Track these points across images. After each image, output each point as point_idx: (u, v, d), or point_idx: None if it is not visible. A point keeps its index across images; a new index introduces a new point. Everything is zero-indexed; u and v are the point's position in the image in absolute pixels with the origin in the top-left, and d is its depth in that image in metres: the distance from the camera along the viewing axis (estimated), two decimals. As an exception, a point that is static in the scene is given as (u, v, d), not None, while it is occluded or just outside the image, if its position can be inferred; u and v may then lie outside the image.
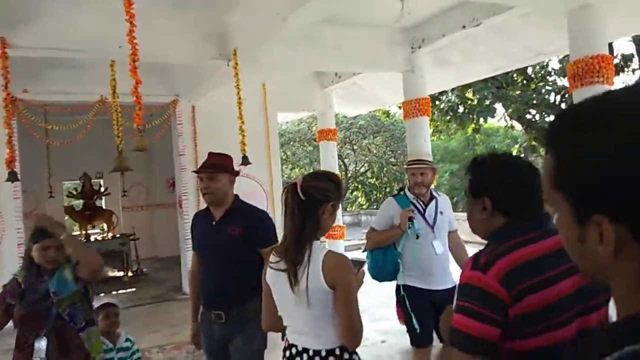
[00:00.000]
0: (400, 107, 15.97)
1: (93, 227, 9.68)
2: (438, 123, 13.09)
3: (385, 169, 20.62)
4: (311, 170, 21.33)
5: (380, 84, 8.19)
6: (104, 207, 9.89)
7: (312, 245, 1.84)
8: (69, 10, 4.56)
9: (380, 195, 21.13)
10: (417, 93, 6.54)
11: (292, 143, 19.65)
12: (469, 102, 11.46)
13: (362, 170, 21.29)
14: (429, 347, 3.24)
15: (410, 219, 3.20)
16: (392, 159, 20.36)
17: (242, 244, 2.58)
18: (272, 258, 1.93)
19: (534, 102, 11.66)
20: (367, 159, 20.35)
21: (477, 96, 11.07)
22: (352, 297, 1.81)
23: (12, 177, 4.41)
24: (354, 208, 20.23)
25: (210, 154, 2.82)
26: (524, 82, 11.98)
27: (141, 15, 3.73)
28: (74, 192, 9.21)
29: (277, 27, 4.31)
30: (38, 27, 4.53)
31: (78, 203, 9.48)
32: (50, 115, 7.14)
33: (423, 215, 3.29)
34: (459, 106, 11.48)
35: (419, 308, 3.18)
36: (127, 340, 3.24)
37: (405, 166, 3.46)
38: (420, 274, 3.23)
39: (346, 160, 20.04)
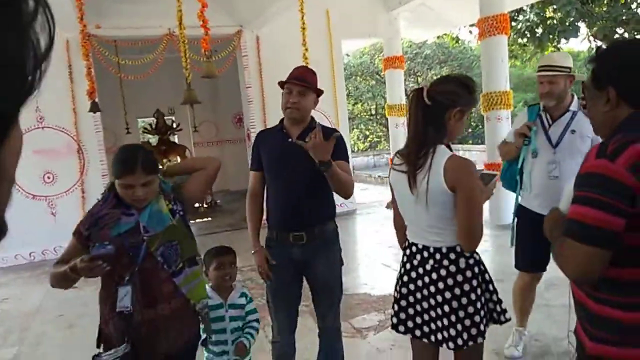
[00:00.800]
0: (471, 32, 15.03)
1: (169, 162, 10.14)
2: (513, 47, 12.19)
3: (452, 101, 19.82)
4: (374, 106, 20.98)
5: (452, 3, 7.67)
6: (177, 142, 10.29)
7: (435, 150, 1.84)
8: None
9: (447, 129, 20.47)
10: (494, 9, 6.04)
11: (354, 77, 19.20)
12: (549, 21, 10.50)
13: (427, 103, 20.59)
14: (531, 274, 3.09)
15: (523, 135, 2.84)
16: (460, 91, 19.44)
17: None
18: (396, 160, 1.98)
19: (623, 18, 10.49)
20: (433, 91, 19.59)
21: (559, 14, 10.09)
22: (473, 200, 1.80)
23: (94, 107, 4.62)
24: (419, 143, 19.78)
25: (300, 67, 2.63)
26: (613, -4, 10.78)
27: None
28: (149, 128, 9.62)
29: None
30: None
31: (153, 139, 9.91)
32: (121, 52, 7.35)
33: (546, 132, 2.85)
34: (538, 26, 10.56)
35: (522, 230, 2.98)
36: (242, 295, 2.47)
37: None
38: (532, 195, 2.90)
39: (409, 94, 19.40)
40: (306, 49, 5.19)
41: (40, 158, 6.59)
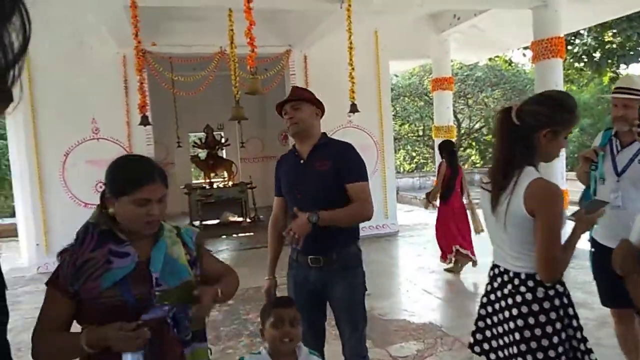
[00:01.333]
0: (525, 55, 14.65)
1: (215, 176, 10.38)
2: (569, 71, 11.76)
3: (503, 124, 19.28)
4: (421, 127, 20.74)
5: (504, 25, 7.49)
6: (224, 157, 10.53)
7: (521, 172, 1.78)
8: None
9: (497, 153, 19.90)
10: (549, 31, 5.85)
11: (402, 98, 19.09)
12: (608, 45, 10.06)
13: (477, 126, 20.15)
14: (618, 310, 2.81)
15: (588, 160, 2.68)
16: (512, 114, 18.90)
17: (332, 180, 2.39)
18: (484, 178, 1.97)
19: (691, 42, 9.92)
20: (483, 114, 19.16)
21: (619, 38, 9.66)
22: (551, 229, 1.69)
23: (144, 121, 4.79)
24: (466, 166, 19.34)
25: (293, 87, 2.71)
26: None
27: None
28: (199, 143, 9.90)
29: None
30: (163, -22, 4.77)
31: (202, 153, 10.19)
32: (175, 69, 7.63)
33: (614, 159, 2.65)
34: (596, 50, 10.14)
35: (596, 264, 2.78)
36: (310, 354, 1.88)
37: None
38: (600, 225, 2.63)
39: (459, 116, 19.04)
40: (352, 69, 5.19)
41: (93, 168, 6.88)
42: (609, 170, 2.66)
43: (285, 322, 1.79)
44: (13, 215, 9.07)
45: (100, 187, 7.03)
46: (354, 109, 5.13)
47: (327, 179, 2.38)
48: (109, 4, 4.72)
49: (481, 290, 5.24)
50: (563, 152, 6.30)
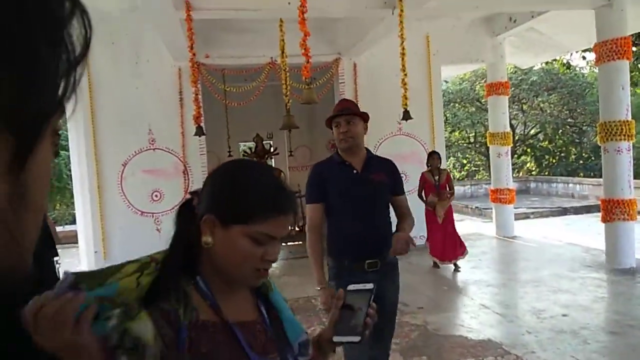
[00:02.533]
0: (584, 58, 13.95)
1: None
2: (633, 73, 11.09)
3: (560, 130, 18.47)
4: (473, 134, 20.16)
5: (564, 27, 7.14)
6: (273, 165, 10.61)
7: None
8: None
9: (554, 161, 19.05)
10: (614, 32, 5.52)
11: (452, 104, 18.66)
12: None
13: (532, 132, 19.38)
14: None
15: None
16: (570, 119, 18.08)
17: (387, 189, 2.61)
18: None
19: None
20: (538, 119, 18.41)
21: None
22: None
23: (199, 131, 4.88)
24: (521, 174, 18.60)
25: (340, 100, 2.78)
26: None
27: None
28: (249, 152, 10.02)
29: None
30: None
31: (251, 162, 10.30)
32: (227, 79, 7.77)
33: None
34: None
35: None
36: None
37: None
38: None
39: (513, 121, 18.38)
40: (405, 75, 5.08)
41: (149, 177, 7.10)
42: None
43: None
44: (74, 222, 9.49)
45: (156, 195, 7.22)
46: (407, 116, 5.01)
47: (384, 188, 2.59)
48: (166, 18, 4.85)
49: (543, 307, 5.00)
50: (629, 159, 5.92)
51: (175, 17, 4.78)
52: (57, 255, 1.92)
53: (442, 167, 6.71)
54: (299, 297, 5.37)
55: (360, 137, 2.58)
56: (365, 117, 2.62)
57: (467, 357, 3.80)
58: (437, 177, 6.43)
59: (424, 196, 6.44)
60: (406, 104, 5.11)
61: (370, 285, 1.12)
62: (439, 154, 6.66)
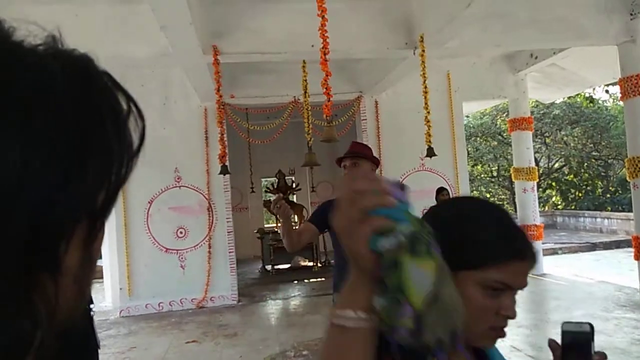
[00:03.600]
0: (607, 92, 13.85)
1: (286, 220, 10.48)
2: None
3: (585, 164, 18.16)
4: (495, 167, 20.03)
5: (586, 62, 7.15)
6: (295, 201, 10.66)
7: None
8: (267, 16, 4.98)
9: (580, 194, 18.66)
10: (638, 67, 5.49)
11: (474, 138, 18.61)
12: None
13: (556, 165, 19.11)
14: None
15: None
16: (595, 152, 17.80)
17: None
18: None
19: None
20: (562, 153, 18.18)
21: None
22: None
23: (224, 170, 4.97)
24: (547, 208, 18.25)
25: (353, 142, 2.90)
26: None
27: (330, 13, 3.86)
28: (271, 188, 10.11)
29: (466, 5, 4.02)
30: (241, 35, 5.05)
31: (274, 197, 10.38)
32: (251, 118, 7.95)
33: None
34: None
35: None
36: None
37: None
38: None
39: (536, 155, 18.19)
40: (428, 112, 5.12)
41: (175, 214, 7.20)
42: None
43: None
44: (100, 258, 9.60)
45: (181, 232, 7.31)
46: (430, 153, 5.02)
47: None
48: (195, 62, 5.03)
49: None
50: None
51: (203, 61, 4.96)
52: (92, 303, 1.99)
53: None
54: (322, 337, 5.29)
55: None
56: (375, 161, 2.73)
57: (499, 402, 3.66)
58: None
59: None
60: (430, 142, 5.13)
61: (586, 327, 0.89)
62: (447, 190, 6.85)
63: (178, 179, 7.29)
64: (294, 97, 7.29)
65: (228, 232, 7.46)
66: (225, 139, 5.29)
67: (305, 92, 6.08)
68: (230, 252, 7.48)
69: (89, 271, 0.42)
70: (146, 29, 4.54)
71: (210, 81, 5.44)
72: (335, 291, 2.70)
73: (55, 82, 0.37)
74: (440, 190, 6.82)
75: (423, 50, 5.01)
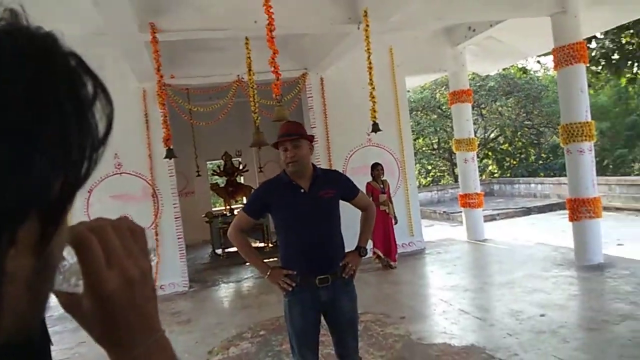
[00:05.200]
0: (539, 62, 14.56)
1: (236, 202, 10.35)
2: (588, 76, 11.62)
3: (519, 132, 19.09)
4: (436, 140, 20.64)
5: (521, 34, 7.41)
6: (243, 182, 10.52)
7: None
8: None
9: (515, 162, 19.65)
10: (570, 37, 5.77)
11: (415, 112, 19.05)
12: (626, 47, 9.93)
13: (492, 136, 19.96)
14: None
15: None
16: (527, 122, 18.74)
17: (336, 204, 2.70)
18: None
19: None
20: (497, 123, 19.00)
21: (637, 39, 9.53)
22: None
23: (170, 154, 4.78)
24: (484, 177, 19.10)
25: (285, 123, 2.85)
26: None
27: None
28: (218, 170, 9.91)
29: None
30: (181, 12, 4.81)
31: (221, 180, 10.18)
32: (193, 99, 7.68)
33: None
34: (614, 52, 10.01)
35: None
36: None
37: None
38: None
39: (474, 126, 18.88)
40: (373, 88, 5.14)
41: (117, 202, 6.89)
42: None
43: None
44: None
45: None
46: (376, 128, 5.06)
47: (333, 204, 2.69)
48: (131, 41, 4.76)
49: (521, 308, 5.08)
50: (592, 158, 6.16)
51: (140, 39, 4.69)
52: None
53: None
54: (279, 315, 5.29)
55: (306, 158, 2.64)
56: (311, 139, 2.71)
57: (453, 364, 3.83)
58: (382, 186, 6.98)
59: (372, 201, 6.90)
60: (375, 117, 5.17)
61: None
62: (382, 165, 7.08)
63: (118, 165, 6.96)
64: (238, 75, 7.10)
65: (175, 218, 7.25)
66: (168, 121, 5.07)
67: (250, 71, 5.93)
68: (179, 238, 7.29)
69: (47, 279, 0.38)
70: (78, 5, 4.22)
71: (148, 61, 5.19)
72: (283, 267, 2.68)
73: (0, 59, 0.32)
74: (375, 166, 6.99)
75: (367, 25, 4.99)
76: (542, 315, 4.64)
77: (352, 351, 2.77)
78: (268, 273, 2.66)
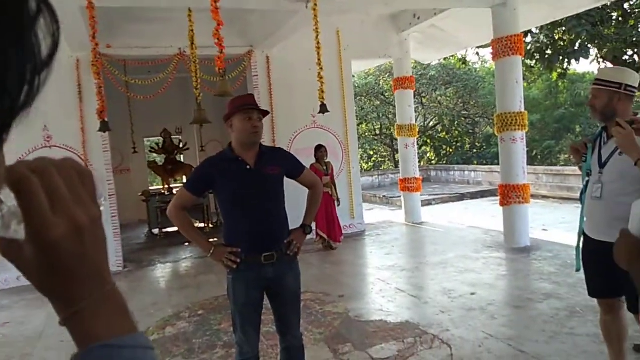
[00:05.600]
0: (477, 54, 15.10)
1: (175, 181, 10.05)
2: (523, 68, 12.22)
3: (456, 122, 19.79)
4: (379, 126, 21.02)
5: (463, 24, 7.64)
6: (183, 161, 10.22)
7: None
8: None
9: (451, 150, 20.40)
10: (508, 29, 6.01)
11: (359, 97, 19.24)
12: (559, 42, 10.50)
13: (431, 124, 20.58)
14: (610, 299, 2.78)
15: (577, 151, 2.76)
16: (464, 112, 19.46)
17: (281, 181, 2.69)
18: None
19: (633, 39, 10.49)
20: (437, 112, 19.59)
21: (569, 35, 10.10)
22: None
23: (104, 127, 4.53)
24: (422, 163, 19.71)
25: (245, 95, 2.82)
26: (621, 18, 10.78)
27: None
28: (156, 148, 9.55)
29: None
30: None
31: (160, 158, 9.84)
32: (130, 71, 7.31)
33: (600, 151, 2.68)
34: (548, 47, 10.56)
35: (584, 256, 2.79)
36: None
37: None
38: (586, 217, 2.76)
39: (415, 114, 19.38)
40: (321, 69, 5.12)
41: (46, 177, 6.48)
42: (594, 162, 2.70)
43: None
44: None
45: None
46: (324, 109, 5.05)
47: (278, 182, 2.67)
48: (63, 4, 4.42)
49: (453, 287, 5.31)
50: (523, 147, 6.51)
51: (75, 4, 4.38)
52: None
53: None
54: (218, 295, 5.24)
55: (262, 132, 2.67)
56: (265, 114, 2.71)
57: (388, 340, 3.96)
58: (325, 168, 7.07)
59: None
60: (323, 98, 5.15)
61: None
62: (325, 147, 7.15)
63: (48, 138, 6.53)
64: (179, 49, 6.82)
65: (109, 196, 6.94)
66: (103, 93, 4.80)
67: (192, 44, 5.71)
68: (113, 217, 6.98)
69: None
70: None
71: (83, 29, 4.86)
72: (227, 244, 2.64)
73: None
74: (319, 148, 7.05)
75: (315, 4, 4.94)
76: (472, 294, 4.88)
77: (294, 328, 2.79)
78: (211, 251, 2.60)
